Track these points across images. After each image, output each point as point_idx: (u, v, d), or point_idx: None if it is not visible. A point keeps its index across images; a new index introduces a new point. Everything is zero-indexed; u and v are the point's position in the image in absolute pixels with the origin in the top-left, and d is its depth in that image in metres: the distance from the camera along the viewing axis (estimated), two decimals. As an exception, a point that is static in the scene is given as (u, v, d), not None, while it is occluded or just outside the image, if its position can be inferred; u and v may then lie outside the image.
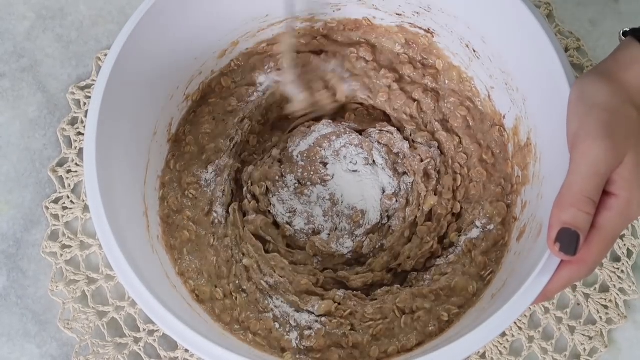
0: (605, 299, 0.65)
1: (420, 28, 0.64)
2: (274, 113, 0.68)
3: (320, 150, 0.65)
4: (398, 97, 0.66)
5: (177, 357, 0.63)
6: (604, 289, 0.66)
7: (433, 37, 0.64)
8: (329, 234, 0.63)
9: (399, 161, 0.65)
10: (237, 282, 0.60)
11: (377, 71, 0.66)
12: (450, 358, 0.47)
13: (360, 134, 0.66)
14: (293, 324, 0.58)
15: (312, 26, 0.67)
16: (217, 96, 0.66)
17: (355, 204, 0.64)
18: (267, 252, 0.62)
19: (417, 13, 0.63)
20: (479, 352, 0.64)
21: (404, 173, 0.65)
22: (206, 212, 0.62)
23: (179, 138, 0.64)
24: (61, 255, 0.66)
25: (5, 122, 0.71)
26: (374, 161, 0.65)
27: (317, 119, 0.67)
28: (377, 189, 0.64)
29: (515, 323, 0.64)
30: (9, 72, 0.72)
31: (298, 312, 0.59)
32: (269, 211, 0.64)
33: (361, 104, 0.69)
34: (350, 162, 0.65)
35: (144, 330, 0.64)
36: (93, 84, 0.71)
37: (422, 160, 0.64)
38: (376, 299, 0.60)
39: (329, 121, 0.66)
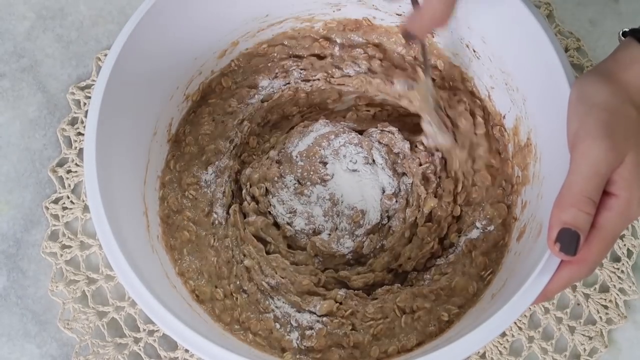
0: (605, 299, 0.65)
1: (420, 28, 0.64)
2: (274, 115, 0.68)
3: (320, 150, 0.65)
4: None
5: (177, 357, 0.63)
6: (604, 289, 0.66)
7: (433, 37, 0.64)
8: (330, 234, 0.63)
9: (399, 161, 0.65)
10: (238, 282, 0.60)
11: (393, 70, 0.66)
12: (450, 358, 0.47)
13: (360, 134, 0.66)
14: (294, 324, 0.58)
15: (312, 26, 0.67)
16: (217, 97, 0.66)
17: (355, 203, 0.64)
18: (268, 253, 0.62)
19: (417, 13, 0.63)
20: (479, 352, 0.63)
21: (404, 174, 0.65)
22: (206, 212, 0.62)
23: (179, 138, 0.64)
24: (61, 255, 0.66)
25: (5, 122, 0.71)
26: (373, 160, 0.65)
27: (314, 118, 0.67)
28: (376, 189, 0.64)
29: (515, 323, 0.64)
30: (9, 72, 0.72)
31: (299, 312, 0.59)
32: (269, 212, 0.64)
33: (369, 104, 0.69)
34: (350, 161, 0.65)
35: (144, 330, 0.64)
36: (93, 84, 0.71)
37: (420, 164, 0.64)
38: (377, 298, 0.60)
39: (326, 121, 0.66)
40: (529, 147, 0.59)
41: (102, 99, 0.54)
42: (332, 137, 0.65)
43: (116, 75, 0.55)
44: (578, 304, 0.65)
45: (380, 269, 0.62)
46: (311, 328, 0.58)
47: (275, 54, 0.67)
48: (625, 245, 0.66)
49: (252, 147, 0.67)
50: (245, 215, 0.64)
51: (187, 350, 0.63)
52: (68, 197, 0.68)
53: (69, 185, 0.68)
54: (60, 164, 0.69)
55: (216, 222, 0.62)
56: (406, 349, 0.56)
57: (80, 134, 0.70)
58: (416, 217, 0.63)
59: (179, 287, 0.58)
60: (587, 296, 0.65)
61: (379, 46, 0.67)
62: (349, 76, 0.67)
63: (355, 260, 0.64)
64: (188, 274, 0.59)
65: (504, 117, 0.62)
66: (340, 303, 0.59)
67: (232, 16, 0.63)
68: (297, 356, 0.57)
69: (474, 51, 0.62)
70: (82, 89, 0.72)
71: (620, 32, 0.53)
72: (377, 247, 0.63)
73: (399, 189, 0.64)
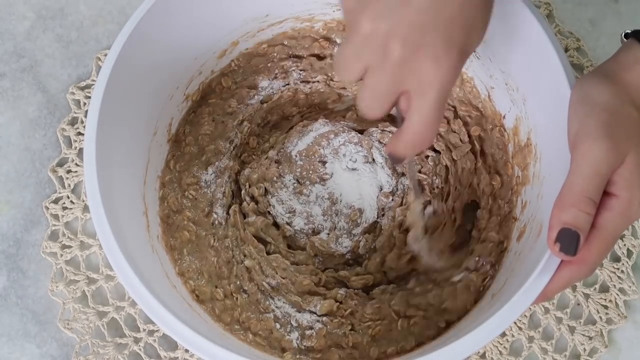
0: (605, 299, 0.65)
1: (420, 28, 0.64)
2: (274, 116, 0.68)
3: (319, 149, 0.65)
4: None
5: (177, 357, 0.63)
6: (604, 289, 0.66)
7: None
8: (329, 234, 0.63)
9: (399, 161, 0.65)
10: (238, 282, 0.60)
11: None
12: (450, 358, 0.47)
13: (360, 134, 0.66)
14: (294, 324, 0.58)
15: (312, 26, 0.67)
16: (217, 97, 0.66)
17: (353, 202, 0.64)
18: (268, 253, 0.62)
19: (417, 13, 0.63)
20: (479, 352, 0.63)
21: (403, 174, 0.65)
22: (206, 213, 0.62)
23: (179, 138, 0.64)
24: (61, 255, 0.66)
25: (5, 122, 0.71)
26: (373, 159, 0.65)
27: (314, 118, 0.67)
28: (374, 187, 0.64)
29: (515, 323, 0.64)
30: (9, 72, 0.72)
31: (300, 312, 0.59)
32: (269, 212, 0.64)
33: None
34: (350, 160, 0.65)
35: (144, 330, 0.64)
36: (93, 84, 0.71)
37: (419, 171, 0.64)
38: (374, 298, 0.60)
39: (326, 120, 0.66)
40: (529, 147, 0.59)
41: (102, 99, 0.54)
42: (332, 136, 0.65)
43: (116, 75, 0.55)
44: (578, 304, 0.65)
45: (375, 270, 0.62)
46: (311, 328, 0.58)
47: (275, 54, 0.67)
48: (625, 245, 0.66)
49: (252, 147, 0.67)
50: (245, 216, 0.64)
51: (187, 350, 0.63)
52: (68, 197, 0.68)
53: (69, 185, 0.68)
54: (60, 164, 0.69)
55: (216, 222, 0.62)
56: (405, 350, 0.56)
57: (80, 133, 0.70)
58: (404, 217, 0.63)
59: (179, 287, 0.58)
60: (587, 296, 0.65)
61: None
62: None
63: (354, 261, 0.64)
64: (188, 274, 0.59)
65: (504, 117, 0.62)
66: (341, 302, 0.59)
67: (232, 16, 0.63)
68: (297, 356, 0.57)
69: (474, 51, 0.62)
70: (82, 89, 0.72)
71: (623, 34, 0.53)
72: (371, 247, 0.63)
73: (397, 188, 0.64)
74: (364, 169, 0.64)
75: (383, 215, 0.64)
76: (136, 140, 0.59)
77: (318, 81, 0.68)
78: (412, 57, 0.41)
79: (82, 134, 0.70)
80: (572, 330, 0.64)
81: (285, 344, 0.57)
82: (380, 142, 0.65)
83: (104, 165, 0.53)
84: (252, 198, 0.64)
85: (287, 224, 0.63)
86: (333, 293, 0.60)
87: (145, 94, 0.59)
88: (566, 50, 0.73)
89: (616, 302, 0.65)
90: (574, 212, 0.45)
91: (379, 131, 0.66)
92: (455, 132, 0.64)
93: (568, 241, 0.45)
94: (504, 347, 0.64)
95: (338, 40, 0.67)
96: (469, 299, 0.57)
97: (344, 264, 0.64)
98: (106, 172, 0.53)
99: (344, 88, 0.67)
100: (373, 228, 0.64)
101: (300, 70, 0.68)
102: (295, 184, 0.64)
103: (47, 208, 0.68)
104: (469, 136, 0.64)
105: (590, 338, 0.64)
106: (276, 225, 0.64)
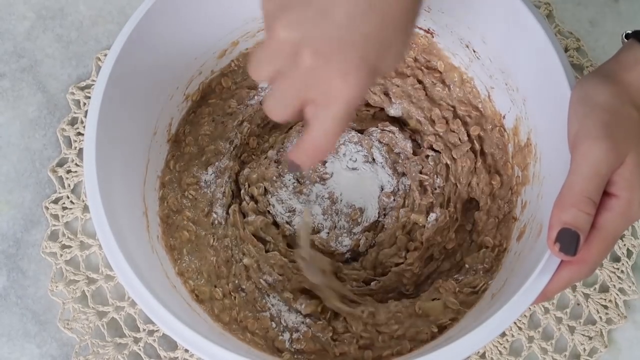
0: (605, 299, 0.65)
1: (420, 28, 0.64)
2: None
3: None
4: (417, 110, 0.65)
5: (177, 357, 0.63)
6: (604, 289, 0.66)
7: (433, 37, 0.64)
8: (328, 233, 0.63)
9: (400, 161, 0.65)
10: (236, 281, 0.60)
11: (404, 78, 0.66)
12: (450, 358, 0.47)
13: (361, 134, 0.66)
14: (284, 324, 0.58)
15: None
16: (217, 97, 0.66)
17: (354, 201, 0.64)
18: (267, 252, 0.62)
19: (417, 13, 0.63)
20: (479, 352, 0.63)
21: (404, 174, 0.65)
22: (206, 212, 0.62)
23: (179, 138, 0.64)
24: (61, 255, 0.66)
25: (5, 122, 0.71)
26: (373, 159, 0.65)
27: None
28: (375, 187, 0.64)
29: (515, 323, 0.64)
30: (9, 72, 0.72)
31: (289, 311, 0.59)
32: (269, 211, 0.64)
33: (369, 104, 0.69)
34: (350, 160, 0.65)
35: (144, 330, 0.64)
36: (93, 84, 0.71)
37: (420, 172, 0.64)
38: (360, 303, 0.59)
39: None
40: (529, 147, 0.59)
41: (102, 99, 0.54)
42: (332, 136, 0.65)
43: (116, 75, 0.55)
44: (578, 304, 0.65)
45: (370, 266, 0.62)
46: (297, 330, 0.58)
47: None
48: (625, 245, 0.66)
49: (252, 147, 0.67)
50: (244, 215, 0.64)
51: (187, 350, 0.63)
52: (68, 197, 0.68)
53: (69, 185, 0.68)
54: (60, 164, 0.69)
55: (216, 222, 0.62)
56: (401, 353, 0.56)
57: (80, 134, 0.70)
58: (408, 218, 0.63)
59: (179, 287, 0.58)
60: (587, 296, 0.65)
61: None
62: None
63: (353, 259, 0.64)
64: (188, 273, 0.59)
65: (504, 117, 0.62)
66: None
67: (232, 16, 0.63)
68: (295, 356, 0.57)
69: (474, 51, 0.62)
70: (82, 89, 0.72)
71: (624, 34, 0.53)
72: (371, 245, 0.63)
73: (398, 188, 0.64)
74: (364, 169, 0.64)
75: (385, 215, 0.64)
76: (136, 140, 0.59)
77: None
78: (322, 68, 0.41)
79: (82, 134, 0.70)
80: (572, 330, 0.64)
81: (279, 344, 0.57)
82: (380, 142, 0.65)
83: (104, 165, 0.53)
84: (252, 197, 0.64)
85: (287, 223, 0.64)
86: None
87: (145, 94, 0.59)
88: (566, 50, 0.73)
89: (616, 302, 0.65)
90: (574, 212, 0.45)
91: (379, 131, 0.66)
92: (454, 131, 0.64)
93: (568, 241, 0.45)
94: (504, 347, 0.64)
95: None
96: (450, 315, 0.57)
97: (343, 263, 0.64)
98: (106, 172, 0.53)
99: None
100: (374, 226, 0.64)
101: None
102: (295, 184, 0.64)
103: (47, 208, 0.68)
104: (469, 136, 0.64)
105: (590, 338, 0.64)
106: (276, 224, 0.64)
